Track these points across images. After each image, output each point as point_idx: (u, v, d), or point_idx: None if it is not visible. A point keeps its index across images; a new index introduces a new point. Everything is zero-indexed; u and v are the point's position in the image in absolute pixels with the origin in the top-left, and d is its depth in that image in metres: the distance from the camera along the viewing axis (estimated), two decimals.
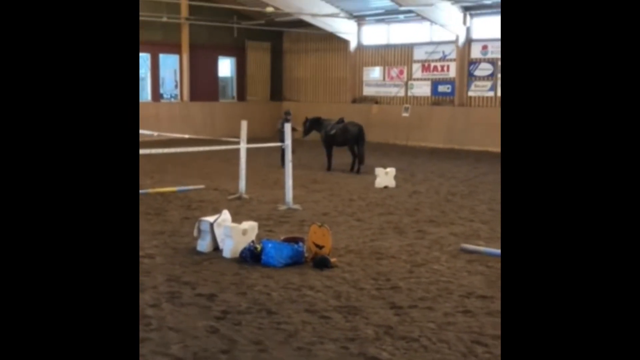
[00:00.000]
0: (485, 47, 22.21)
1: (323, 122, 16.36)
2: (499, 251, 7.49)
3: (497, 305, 5.88)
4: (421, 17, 22.19)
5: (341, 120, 16.26)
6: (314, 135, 16.78)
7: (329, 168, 15.89)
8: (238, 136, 11.76)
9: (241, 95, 27.85)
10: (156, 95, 25.49)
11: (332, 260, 7.27)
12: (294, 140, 11.06)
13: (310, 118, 16.83)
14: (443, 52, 23.42)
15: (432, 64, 23.85)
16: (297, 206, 10.74)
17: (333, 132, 15.90)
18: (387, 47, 25.14)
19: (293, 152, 10.85)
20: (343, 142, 15.90)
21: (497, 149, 18.79)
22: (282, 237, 7.93)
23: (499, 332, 5.07)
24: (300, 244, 7.45)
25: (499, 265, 7.08)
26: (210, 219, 7.92)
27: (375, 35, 25.66)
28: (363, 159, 15.54)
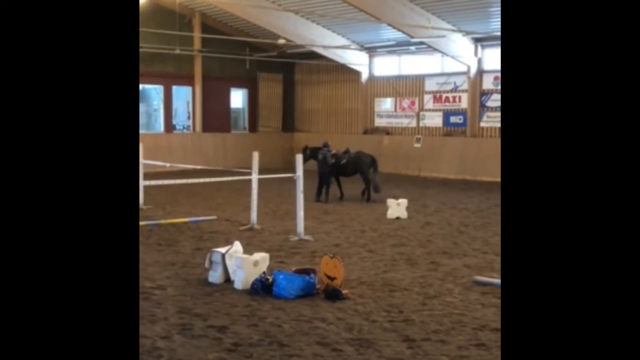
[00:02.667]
0: (497, 78, 22.29)
1: (323, 152, 16.20)
2: None
3: None
4: (432, 49, 22.35)
5: (347, 151, 16.31)
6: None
7: (341, 196, 16.02)
8: (249, 167, 11.82)
9: (253, 126, 28.03)
10: (169, 126, 25.73)
11: (344, 292, 7.24)
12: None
13: (311, 147, 16.88)
14: (455, 83, 23.54)
15: (444, 95, 23.96)
16: (308, 237, 10.73)
17: (344, 161, 15.96)
18: (399, 78, 25.30)
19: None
20: (354, 172, 15.95)
21: None
22: (293, 269, 7.90)
23: None
24: (312, 275, 7.43)
25: None
26: (222, 250, 7.93)
27: (387, 66, 25.85)
28: (378, 187, 15.65)
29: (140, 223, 11.91)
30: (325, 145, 15.94)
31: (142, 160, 14.06)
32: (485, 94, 22.72)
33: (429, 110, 24.45)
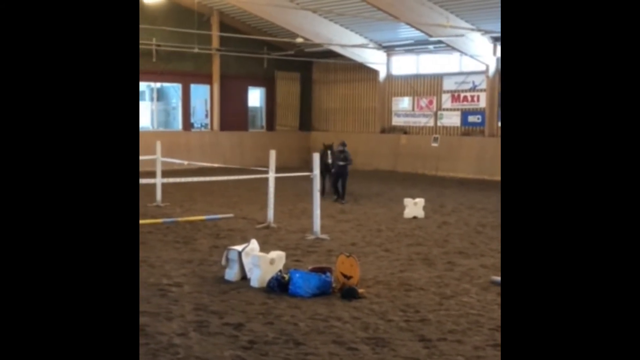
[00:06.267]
0: None
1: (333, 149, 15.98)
2: None
3: None
4: (451, 48, 22.25)
5: (342, 148, 15.88)
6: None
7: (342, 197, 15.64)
8: (267, 165, 11.84)
9: (270, 125, 28.10)
10: (187, 124, 25.86)
11: (360, 291, 7.23)
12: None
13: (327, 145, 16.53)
14: (473, 83, 23.42)
15: (462, 94, 23.84)
16: (324, 236, 10.74)
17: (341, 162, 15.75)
18: (417, 77, 25.22)
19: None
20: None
21: None
22: (309, 267, 7.91)
23: None
24: (328, 274, 7.43)
25: None
26: (239, 248, 7.95)
27: (405, 65, 25.78)
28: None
29: (158, 220, 11.99)
30: (342, 144, 15.82)
31: (160, 158, 14.14)
32: None
33: (447, 109, 24.35)
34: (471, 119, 23.58)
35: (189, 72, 25.27)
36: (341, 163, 15.45)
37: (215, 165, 17.11)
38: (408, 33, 23.08)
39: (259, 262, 7.59)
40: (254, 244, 8.08)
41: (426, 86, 24.97)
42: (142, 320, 6.23)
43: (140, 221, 11.71)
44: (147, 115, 25.72)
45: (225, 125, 26.27)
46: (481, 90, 23.15)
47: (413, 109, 25.50)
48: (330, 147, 16.01)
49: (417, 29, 20.79)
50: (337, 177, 15.53)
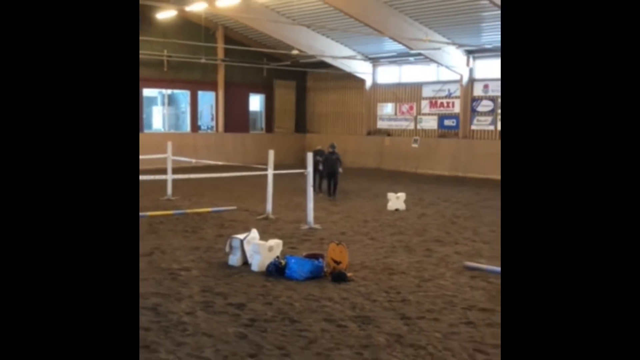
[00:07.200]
0: (486, 86, 22.18)
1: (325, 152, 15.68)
2: (499, 269, 7.41)
3: (497, 317, 5.80)
4: (429, 59, 22.25)
5: (332, 149, 15.31)
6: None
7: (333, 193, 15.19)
8: (266, 163, 11.83)
9: (269, 127, 28.03)
10: (195, 127, 25.78)
11: (349, 275, 7.24)
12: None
13: (316, 150, 15.93)
14: (449, 90, 23.43)
15: (439, 101, 23.85)
16: (317, 226, 10.73)
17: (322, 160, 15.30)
18: (399, 85, 25.21)
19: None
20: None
21: (497, 176, 18.64)
22: (304, 254, 7.91)
23: (498, 342, 5.00)
24: (320, 259, 7.43)
25: (499, 281, 6.99)
26: (241, 236, 7.94)
27: (388, 75, 25.75)
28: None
29: (169, 212, 11.95)
30: (332, 146, 15.20)
31: (171, 157, 14.09)
32: (476, 100, 22.60)
33: (426, 114, 24.35)
34: (447, 122, 23.59)
35: (197, 80, 25.17)
36: (333, 157, 14.82)
37: (220, 163, 17.04)
38: (391, 46, 23.06)
39: (258, 249, 7.58)
40: (254, 233, 8.06)
41: (407, 93, 24.96)
42: (155, 300, 6.22)
43: (153, 213, 11.67)
44: (159, 119, 25.61)
45: (229, 128, 26.19)
46: (456, 97, 23.15)
47: (396, 114, 25.49)
48: (320, 152, 15.66)
49: (400, 42, 20.77)
50: (329, 176, 15.03)
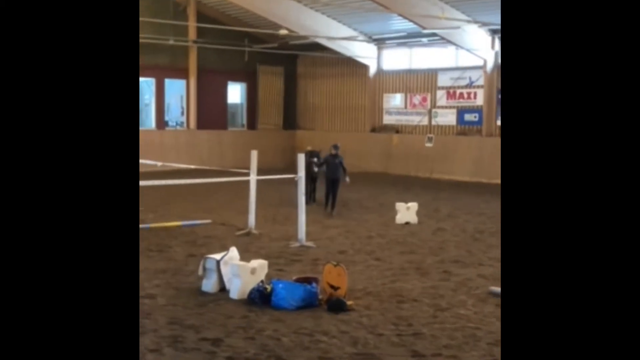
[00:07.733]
0: None
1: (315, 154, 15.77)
2: None
3: None
4: (446, 41, 22.37)
5: (335, 152, 15.41)
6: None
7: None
8: (248, 167, 11.83)
9: (252, 123, 28.09)
10: (161, 122, 25.80)
11: (349, 303, 7.24)
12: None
13: (311, 150, 16.09)
14: (470, 78, 23.55)
15: (458, 91, 23.97)
16: (310, 243, 10.74)
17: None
18: (409, 72, 25.33)
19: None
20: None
21: None
22: (294, 277, 7.91)
23: None
24: (314, 284, 7.43)
25: None
26: (217, 256, 7.94)
27: (397, 59, 25.88)
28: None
29: None
30: (335, 147, 14.85)
31: None
32: None
33: (442, 107, 24.47)
34: (468, 117, 23.72)
35: (163, 66, 25.21)
36: (336, 160, 14.51)
37: (192, 166, 17.04)
38: (400, 25, 23.18)
39: (239, 271, 7.58)
40: (233, 252, 8.06)
41: (420, 82, 25.09)
42: None
43: None
44: None
45: (202, 124, 26.24)
46: (478, 87, 23.29)
47: (405, 107, 25.61)
48: (315, 154, 15.67)
49: (410, 20, 20.89)
50: (329, 185, 14.57)
